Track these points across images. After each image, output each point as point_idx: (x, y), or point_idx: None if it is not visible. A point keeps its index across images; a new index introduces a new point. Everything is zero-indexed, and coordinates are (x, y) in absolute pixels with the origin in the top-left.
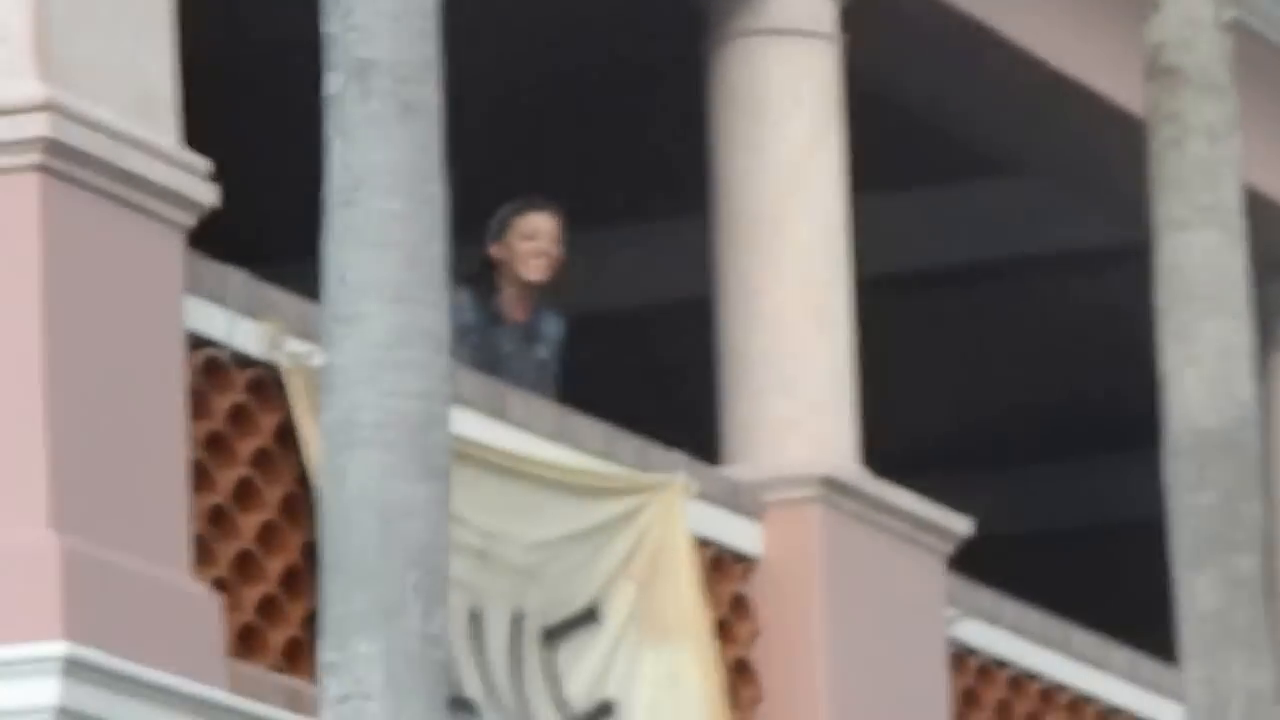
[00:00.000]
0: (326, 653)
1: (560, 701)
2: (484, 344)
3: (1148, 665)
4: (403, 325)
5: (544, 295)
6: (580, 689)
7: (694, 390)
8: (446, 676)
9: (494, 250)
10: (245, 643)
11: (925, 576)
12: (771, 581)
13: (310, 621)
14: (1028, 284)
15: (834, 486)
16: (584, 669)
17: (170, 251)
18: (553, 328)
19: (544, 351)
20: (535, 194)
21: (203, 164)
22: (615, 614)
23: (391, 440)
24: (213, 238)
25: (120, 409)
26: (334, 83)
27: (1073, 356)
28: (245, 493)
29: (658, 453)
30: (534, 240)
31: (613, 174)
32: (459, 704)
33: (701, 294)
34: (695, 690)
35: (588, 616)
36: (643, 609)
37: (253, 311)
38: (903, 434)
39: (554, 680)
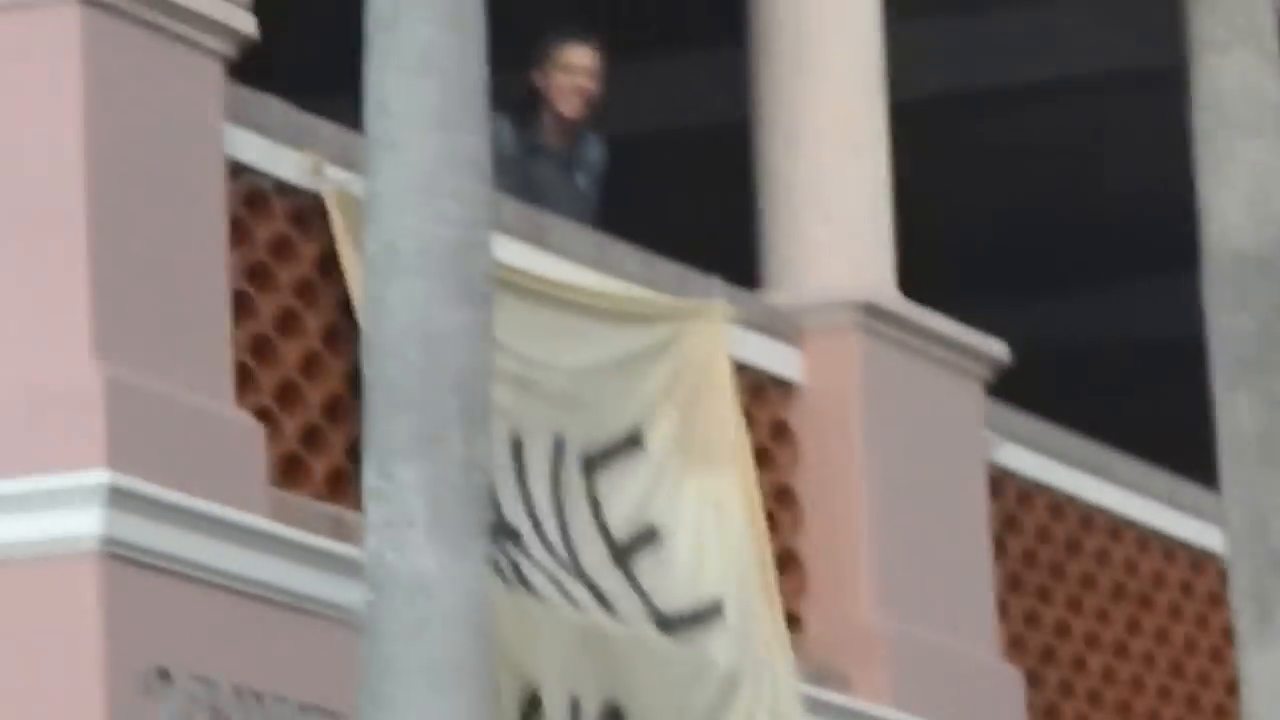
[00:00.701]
0: (370, 479)
1: (603, 528)
2: (523, 172)
3: (1187, 489)
4: (444, 152)
5: (583, 123)
6: (622, 516)
7: (733, 216)
8: (489, 502)
9: (536, 78)
10: (288, 471)
11: (964, 401)
12: (811, 407)
13: (353, 450)
14: (1062, 107)
15: (872, 312)
16: (626, 496)
17: (211, 81)
18: (594, 153)
19: (583, 180)
20: (576, 24)
21: None
22: (657, 440)
23: (433, 267)
24: (254, 68)
25: (162, 238)
26: None
27: (1110, 179)
28: (287, 321)
29: (696, 278)
30: (571, 74)
31: None
32: (502, 530)
33: (740, 119)
34: (738, 516)
35: (630, 443)
36: (684, 435)
37: (294, 140)
38: (940, 259)
39: (596, 507)
